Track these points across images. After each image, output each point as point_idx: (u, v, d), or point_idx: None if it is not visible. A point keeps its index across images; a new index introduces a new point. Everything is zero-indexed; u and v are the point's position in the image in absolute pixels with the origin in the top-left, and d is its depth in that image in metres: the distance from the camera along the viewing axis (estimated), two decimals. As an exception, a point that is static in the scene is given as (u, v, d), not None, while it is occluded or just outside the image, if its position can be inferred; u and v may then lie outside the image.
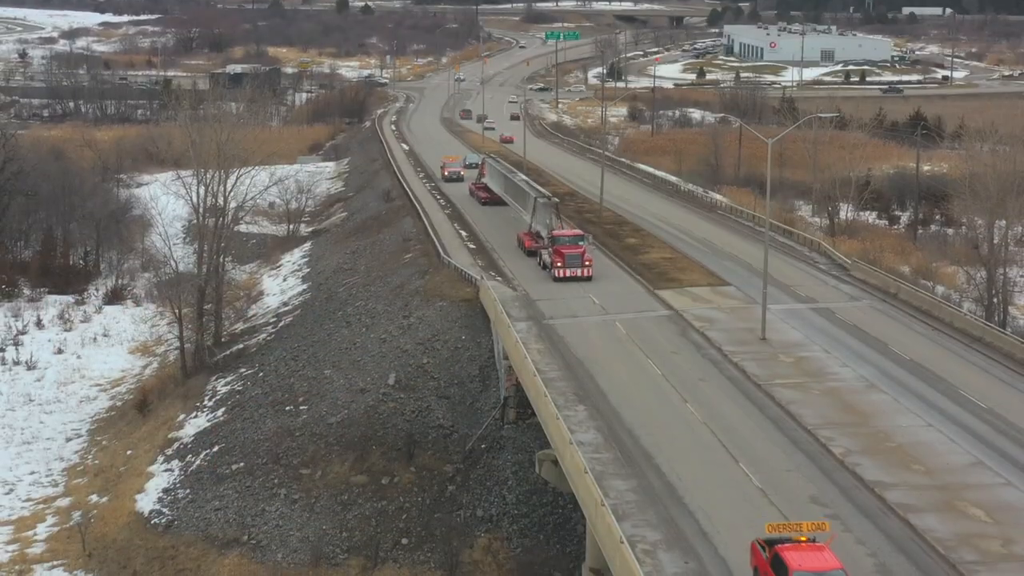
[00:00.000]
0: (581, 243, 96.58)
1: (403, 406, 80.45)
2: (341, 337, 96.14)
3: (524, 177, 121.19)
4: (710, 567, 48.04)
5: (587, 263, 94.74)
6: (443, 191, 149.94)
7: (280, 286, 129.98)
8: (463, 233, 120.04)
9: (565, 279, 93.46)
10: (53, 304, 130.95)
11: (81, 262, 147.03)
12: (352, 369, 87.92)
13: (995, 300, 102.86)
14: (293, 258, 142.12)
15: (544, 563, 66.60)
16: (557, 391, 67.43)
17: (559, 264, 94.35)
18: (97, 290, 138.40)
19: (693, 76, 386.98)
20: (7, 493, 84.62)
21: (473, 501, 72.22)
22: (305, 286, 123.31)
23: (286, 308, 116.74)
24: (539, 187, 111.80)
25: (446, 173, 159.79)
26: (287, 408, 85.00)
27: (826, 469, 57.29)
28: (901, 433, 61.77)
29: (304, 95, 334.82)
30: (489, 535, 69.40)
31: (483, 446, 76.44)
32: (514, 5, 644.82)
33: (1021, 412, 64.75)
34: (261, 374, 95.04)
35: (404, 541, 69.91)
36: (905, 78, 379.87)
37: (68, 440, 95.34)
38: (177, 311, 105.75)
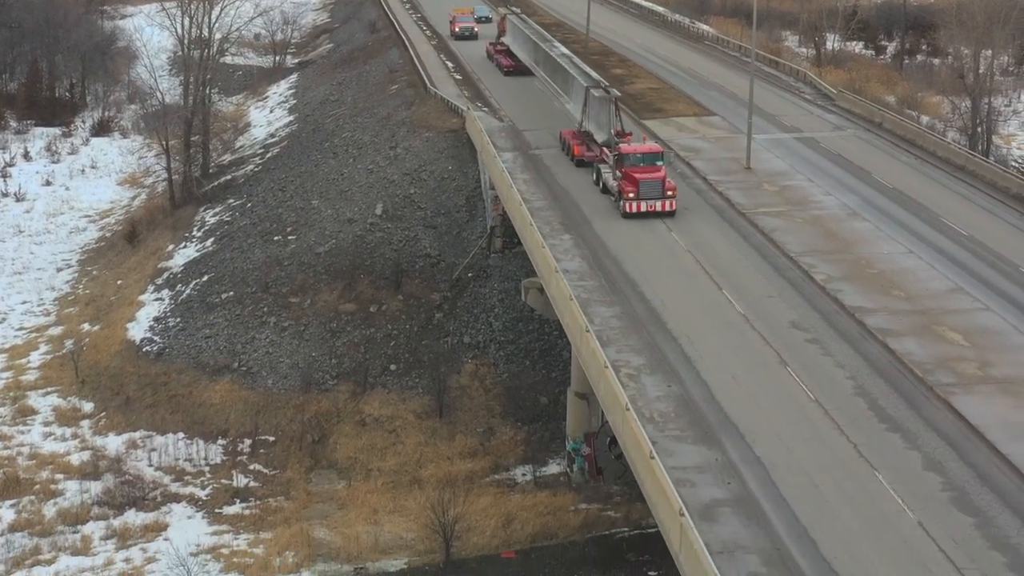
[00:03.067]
0: (659, 163, 70.70)
1: (390, 236, 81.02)
2: (328, 168, 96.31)
3: (565, 51, 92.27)
4: (692, 390, 48.95)
5: (670, 192, 69.22)
6: (452, 51, 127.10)
7: (267, 118, 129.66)
8: (449, 64, 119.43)
9: (639, 214, 68.77)
10: (40, 136, 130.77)
11: (67, 94, 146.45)
12: (340, 199, 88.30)
13: (979, 129, 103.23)
14: (279, 90, 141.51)
15: (530, 388, 67.83)
16: (543, 220, 67.93)
17: (631, 194, 68.62)
18: (84, 122, 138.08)
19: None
20: (0, 322, 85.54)
21: (460, 328, 73.22)
22: (292, 117, 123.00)
23: (273, 139, 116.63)
24: (589, 70, 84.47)
25: (456, 29, 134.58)
26: (276, 238, 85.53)
27: (808, 295, 58.12)
28: (882, 260, 62.61)
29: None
30: (476, 361, 70.53)
31: (470, 275, 77.22)
32: None
33: (1000, 239, 65.61)
34: (249, 204, 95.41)
35: (392, 367, 71.02)
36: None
37: (59, 270, 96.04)
38: (164, 143, 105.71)
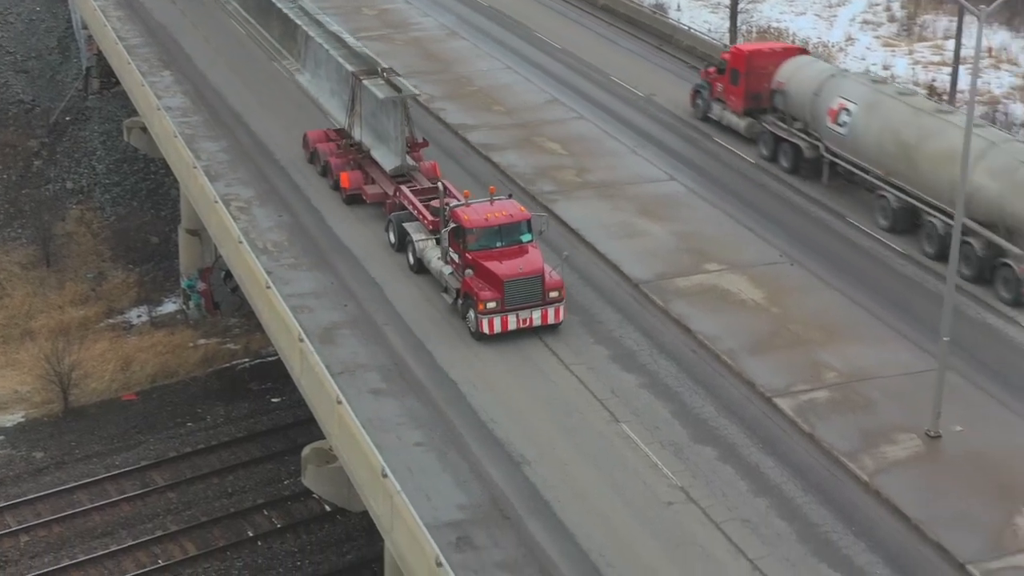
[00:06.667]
0: (527, 237, 41.49)
1: (-22, 83, 77.35)
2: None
3: None
4: (304, 218, 49.16)
5: (554, 292, 40.35)
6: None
7: None
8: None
9: (504, 335, 40.05)
10: None
11: None
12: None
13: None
14: None
15: (139, 229, 66.49)
16: (141, 58, 66.05)
17: (491, 303, 39.65)
18: None
19: None
20: None
21: (62, 174, 70.89)
22: None
23: None
24: (340, 31, 55.93)
25: None
26: None
27: (411, 115, 58.60)
28: (482, 77, 63.90)
29: None
30: (81, 206, 68.55)
31: (68, 118, 74.63)
32: None
33: (591, 49, 67.97)
34: None
35: (-8, 220, 68.45)
36: None
37: None
38: None
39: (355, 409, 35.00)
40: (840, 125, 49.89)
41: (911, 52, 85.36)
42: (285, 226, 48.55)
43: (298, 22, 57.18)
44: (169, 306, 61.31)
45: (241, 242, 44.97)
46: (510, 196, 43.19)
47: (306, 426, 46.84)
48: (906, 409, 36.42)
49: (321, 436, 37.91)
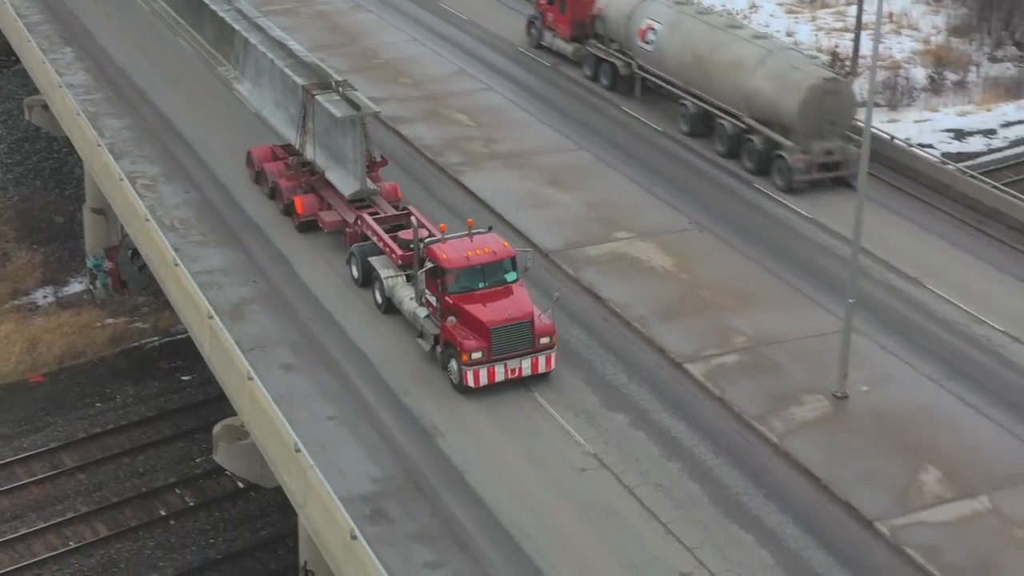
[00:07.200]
0: (511, 276, 37.09)
1: None
2: None
3: None
4: (211, 194, 48.84)
5: (544, 338, 36.21)
6: None
7: None
8: None
9: (491, 386, 35.89)
10: None
11: None
12: None
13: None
14: None
15: (44, 208, 65.52)
16: (41, 35, 65.12)
17: (476, 352, 35.42)
18: None
19: None
20: None
21: (-38, 155, 69.94)
22: None
23: None
24: (286, 38, 50.96)
25: None
26: None
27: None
28: (388, 49, 63.74)
29: None
30: (-18, 187, 67.70)
31: (-35, 98, 73.64)
32: None
33: (498, 20, 67.88)
34: None
35: None
36: None
37: None
38: None
39: (266, 385, 34.85)
40: (648, 43, 55.79)
41: (814, 19, 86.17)
42: (192, 203, 48.20)
43: (236, 27, 51.65)
44: (75, 286, 60.57)
45: (148, 220, 44.54)
46: (490, 229, 38.83)
47: (217, 403, 46.50)
48: (813, 371, 36.91)
49: (232, 413, 37.75)
